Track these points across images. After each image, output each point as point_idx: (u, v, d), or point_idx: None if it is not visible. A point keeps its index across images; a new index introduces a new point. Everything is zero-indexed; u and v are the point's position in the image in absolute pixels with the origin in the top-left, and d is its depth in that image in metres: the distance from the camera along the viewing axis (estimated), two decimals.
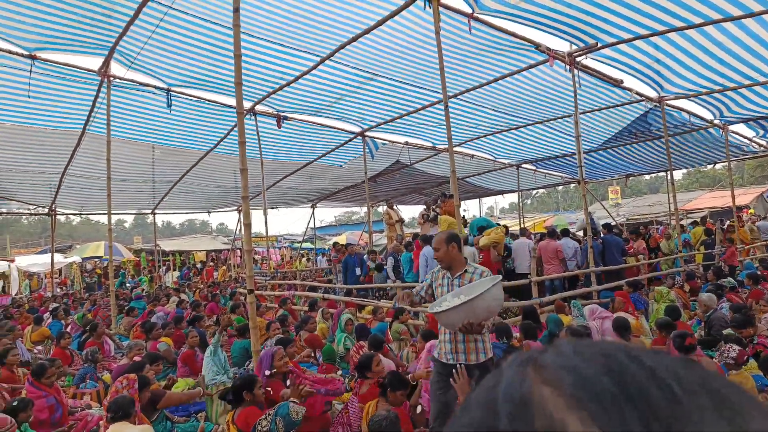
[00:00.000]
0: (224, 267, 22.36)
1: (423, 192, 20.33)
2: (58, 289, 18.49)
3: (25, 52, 8.40)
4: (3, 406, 5.08)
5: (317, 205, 21.52)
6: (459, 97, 10.67)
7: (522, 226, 15.87)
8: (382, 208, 29.13)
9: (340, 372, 5.83)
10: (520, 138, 13.98)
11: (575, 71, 8.95)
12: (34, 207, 16.16)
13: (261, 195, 18.41)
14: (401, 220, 12.16)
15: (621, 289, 7.76)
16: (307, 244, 26.87)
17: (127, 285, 17.83)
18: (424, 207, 12.26)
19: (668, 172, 17.27)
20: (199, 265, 23.98)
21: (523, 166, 17.13)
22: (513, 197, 53.17)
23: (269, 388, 4.35)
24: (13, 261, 19.84)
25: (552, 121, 12.31)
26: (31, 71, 8.56)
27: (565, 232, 9.67)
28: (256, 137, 12.07)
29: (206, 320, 8.47)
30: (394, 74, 9.81)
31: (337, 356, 6.05)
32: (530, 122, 12.50)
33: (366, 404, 3.89)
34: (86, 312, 11.15)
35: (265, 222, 12.32)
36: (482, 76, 9.81)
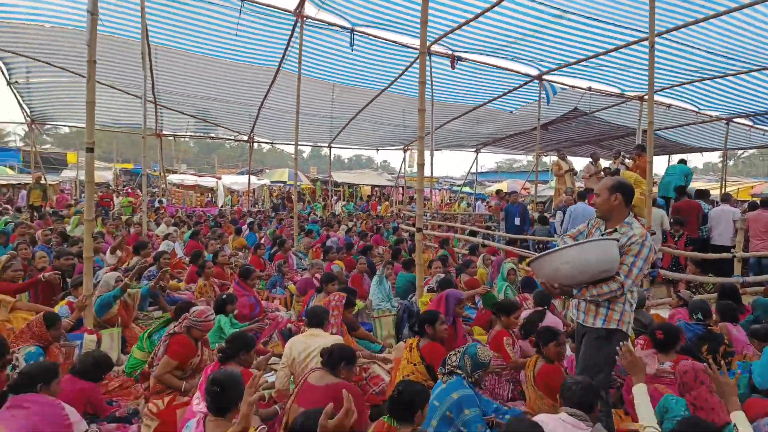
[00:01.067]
0: (387, 202, 23.63)
1: (600, 143, 18.47)
2: (252, 207, 21.62)
3: None
4: (215, 296, 6.23)
5: (481, 149, 21.11)
6: (665, 35, 9.14)
7: (723, 191, 13.53)
8: (550, 158, 27.37)
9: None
10: (737, 86, 11.60)
11: None
12: (237, 134, 18.76)
13: (427, 136, 18.74)
14: (572, 170, 11.23)
15: None
16: (466, 188, 26.81)
17: (305, 210, 19.99)
18: (590, 161, 11.12)
19: None
20: (365, 199, 25.75)
21: (735, 120, 14.32)
22: (711, 157, 45.28)
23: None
24: (220, 179, 23.70)
25: None
26: (240, 11, 9.62)
27: None
28: (429, 78, 12.08)
29: (374, 250, 9.10)
30: (588, 10, 8.76)
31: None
32: (756, 67, 10.23)
33: (532, 358, 3.86)
34: (275, 229, 12.84)
35: (431, 164, 12.47)
36: (698, 10, 8.20)
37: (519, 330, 4.58)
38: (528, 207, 11.52)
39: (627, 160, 9.73)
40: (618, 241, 2.93)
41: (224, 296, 4.80)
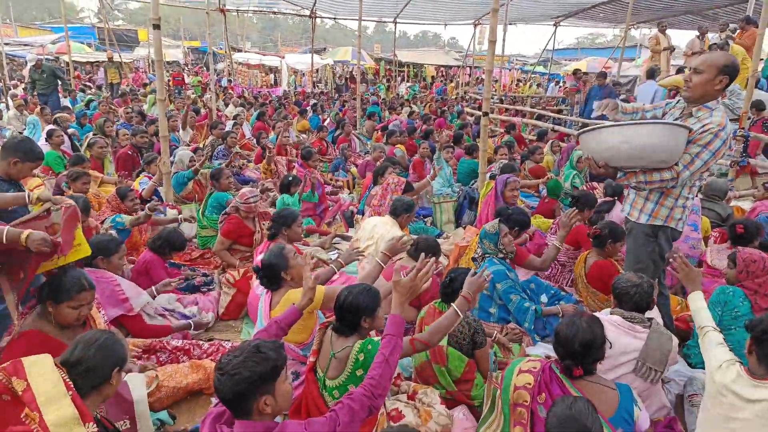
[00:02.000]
0: (452, 84, 22.51)
1: (703, 14, 15.97)
2: (315, 88, 21.43)
3: None
4: (280, 176, 6.49)
5: (561, 22, 18.99)
6: None
7: None
8: (641, 32, 24.21)
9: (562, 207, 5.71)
10: None
11: None
12: (299, 8, 17.94)
13: (502, 8, 17.01)
14: (671, 48, 9.93)
15: None
16: (540, 68, 24.78)
17: (368, 92, 19.54)
18: (697, 34, 9.71)
19: None
20: (429, 80, 24.63)
21: None
22: None
23: None
24: (283, 57, 23.33)
25: None
26: None
27: None
28: None
29: (436, 134, 8.91)
30: None
31: (562, 192, 5.88)
32: None
33: (581, 255, 3.81)
34: (338, 111, 12.79)
35: (503, 40, 11.48)
36: None
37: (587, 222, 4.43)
38: (614, 91, 10.47)
39: (731, 36, 8.44)
40: (690, 128, 2.59)
41: (290, 177, 4.98)
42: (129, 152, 6.07)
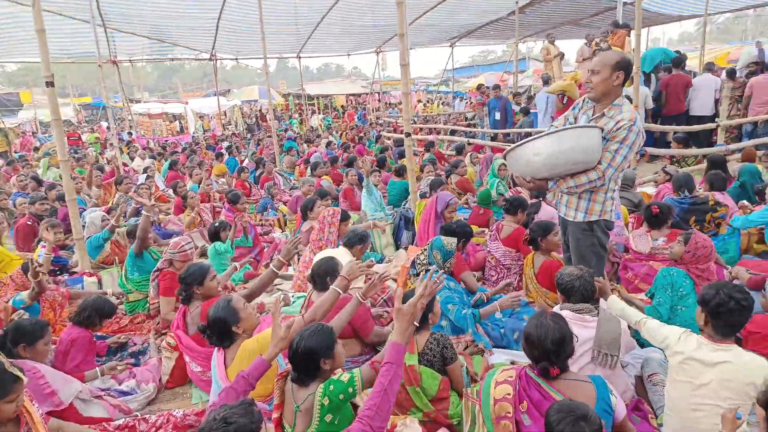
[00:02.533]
0: (364, 110, 22.95)
1: (580, 23, 17.70)
2: (225, 130, 20.86)
3: None
4: (206, 223, 6.17)
5: (456, 43, 20.14)
6: None
7: (702, 59, 13.28)
8: (527, 46, 26.28)
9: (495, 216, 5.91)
10: None
11: None
12: (198, 52, 17.53)
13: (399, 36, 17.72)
14: (560, 55, 10.81)
15: None
16: (443, 87, 26.01)
17: (281, 128, 19.34)
18: (585, 42, 10.73)
19: None
20: (340, 109, 24.92)
21: None
22: (687, 26, 44.03)
23: None
24: (186, 103, 22.57)
25: None
26: None
27: None
28: None
29: (359, 161, 8.95)
30: None
31: (491, 201, 6.09)
32: None
33: (527, 255, 3.94)
34: (254, 151, 12.50)
35: (407, 63, 11.85)
36: None
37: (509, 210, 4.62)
38: (510, 99, 11.24)
39: (602, 42, 9.36)
40: (603, 128, 2.74)
41: (216, 223, 4.73)
42: (28, 222, 5.47)
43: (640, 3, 6.14)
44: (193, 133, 20.42)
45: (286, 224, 6.74)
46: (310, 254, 4.58)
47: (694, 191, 4.59)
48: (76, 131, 17.95)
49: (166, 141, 17.67)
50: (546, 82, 9.73)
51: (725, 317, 2.10)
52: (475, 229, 5.58)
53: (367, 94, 24.94)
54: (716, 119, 7.27)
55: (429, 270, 3.44)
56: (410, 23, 12.58)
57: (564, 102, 8.52)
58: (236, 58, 19.20)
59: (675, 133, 7.15)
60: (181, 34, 16.03)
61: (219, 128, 20.91)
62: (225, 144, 14.15)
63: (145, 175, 8.49)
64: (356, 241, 4.06)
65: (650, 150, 6.83)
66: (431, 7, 14.75)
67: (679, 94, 8.08)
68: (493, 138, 9.51)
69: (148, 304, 4.10)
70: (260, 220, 6.92)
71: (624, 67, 2.73)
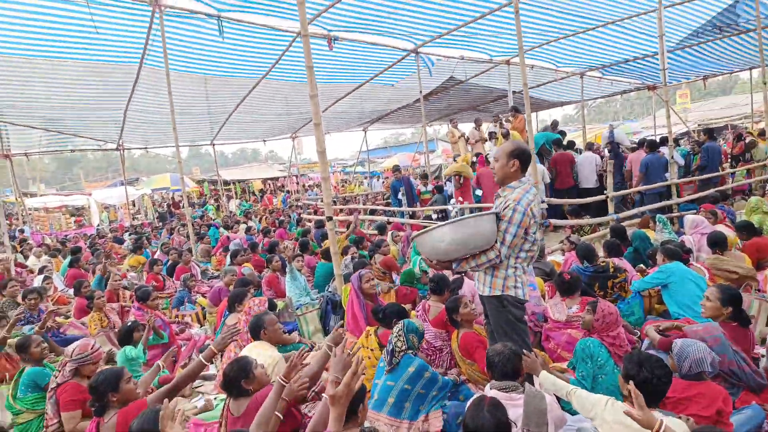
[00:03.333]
0: (282, 193, 22.98)
1: (477, 108, 19.55)
2: (134, 220, 19.77)
3: None
4: (115, 325, 5.64)
5: (369, 128, 21.26)
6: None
7: (585, 138, 15.10)
8: (434, 128, 28.40)
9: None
10: (586, 42, 12.89)
11: None
12: (103, 143, 16.87)
13: (315, 125, 18.40)
14: (463, 136, 11.80)
15: (706, 201, 7.35)
16: (359, 168, 26.99)
17: (195, 215, 18.73)
18: (474, 126, 11.88)
19: (751, 71, 15.71)
20: (258, 194, 24.78)
21: (588, 74, 15.95)
22: (568, 109, 50.27)
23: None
24: (90, 194, 21.24)
25: (625, 21, 11.17)
26: (88, 3, 8.48)
27: (662, 143, 8.99)
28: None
29: (280, 245, 8.82)
30: None
31: (415, 278, 6.19)
32: (600, 23, 11.41)
33: (454, 333, 4.02)
34: (166, 240, 11.87)
35: (324, 150, 12.21)
36: None
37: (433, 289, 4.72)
38: (412, 179, 11.92)
39: (505, 122, 10.43)
40: (487, 213, 3.01)
41: (128, 324, 4.34)
42: None
43: (527, 91, 6.92)
44: (98, 225, 19.10)
45: (205, 318, 6.32)
46: (237, 350, 4.30)
47: (596, 260, 4.99)
48: None
49: (66, 236, 16.32)
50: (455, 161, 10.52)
51: (649, 390, 2.24)
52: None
53: (284, 177, 25.15)
54: (604, 191, 8.14)
55: (408, 353, 3.35)
56: (323, 111, 13.15)
57: (461, 182, 9.23)
58: (146, 148, 18.71)
59: (569, 206, 7.92)
60: (83, 125, 15.43)
61: (127, 218, 19.78)
62: (133, 236, 13.32)
63: (42, 276, 7.69)
64: (262, 326, 3.86)
65: (553, 221, 7.43)
66: (340, 97, 15.61)
67: (567, 169, 9.05)
68: (412, 216, 9.87)
69: (42, 426, 3.55)
70: (176, 315, 6.44)
71: (518, 155, 3.04)
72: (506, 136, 9.38)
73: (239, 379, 2.81)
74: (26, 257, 10.42)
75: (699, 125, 23.32)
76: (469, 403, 2.27)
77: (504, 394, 2.57)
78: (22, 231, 15.53)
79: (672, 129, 8.71)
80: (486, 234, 2.92)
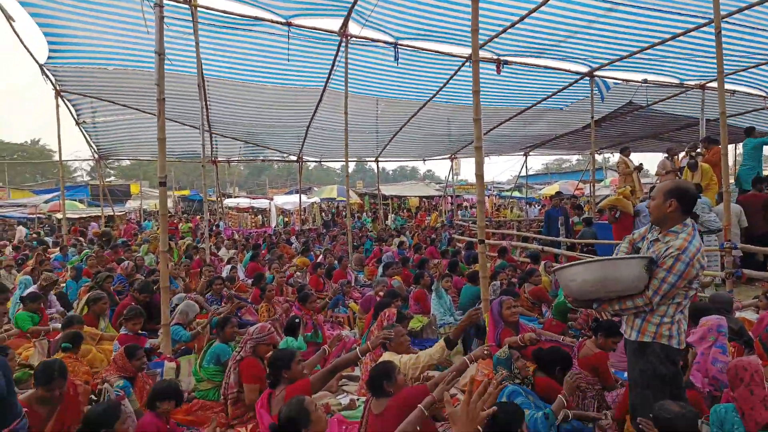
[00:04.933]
0: (436, 213, 23.48)
1: (660, 137, 17.60)
2: (304, 225, 22.07)
3: (282, 20, 9.63)
4: (283, 318, 6.33)
5: (530, 152, 20.62)
6: (727, 19, 8.61)
7: None
8: (603, 156, 26.29)
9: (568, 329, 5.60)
10: None
11: None
12: (287, 154, 19.23)
13: (473, 144, 18.49)
14: (639, 168, 10.71)
15: None
16: (516, 193, 26.23)
17: (353, 226, 20.17)
18: (666, 155, 10.62)
19: None
20: (413, 210, 25.72)
21: None
22: None
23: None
24: (272, 199, 24.37)
25: None
26: (288, 37, 9.84)
27: None
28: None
29: (430, 263, 9.01)
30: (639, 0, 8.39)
31: (569, 312, 5.80)
32: None
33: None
34: (328, 246, 12.98)
35: (482, 173, 12.16)
36: None
37: (600, 331, 4.33)
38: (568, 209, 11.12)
39: (696, 156, 9.16)
40: (655, 254, 2.73)
41: (297, 319, 4.85)
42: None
43: (725, 119, 6.06)
44: (275, 227, 21.73)
45: (355, 322, 6.76)
46: (371, 361, 4.52)
47: None
48: (174, 221, 19.75)
49: (250, 233, 18.90)
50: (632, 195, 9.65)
51: None
52: None
53: (440, 196, 25.65)
54: None
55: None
56: (485, 133, 13.15)
57: (617, 216, 8.43)
58: (320, 161, 20.79)
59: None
60: (272, 139, 17.82)
61: (298, 223, 22.15)
62: (302, 239, 14.85)
63: (230, 266, 9.04)
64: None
65: (747, 272, 6.31)
66: (503, 121, 15.43)
67: (756, 213, 7.60)
68: (569, 248, 9.26)
69: (219, 393, 4.17)
70: (330, 316, 7.01)
71: (677, 195, 2.72)
72: (693, 168, 8.27)
73: (382, 380, 2.98)
74: (218, 249, 12.32)
75: None
76: None
77: None
78: (218, 226, 18.41)
79: None
80: (626, 280, 2.69)
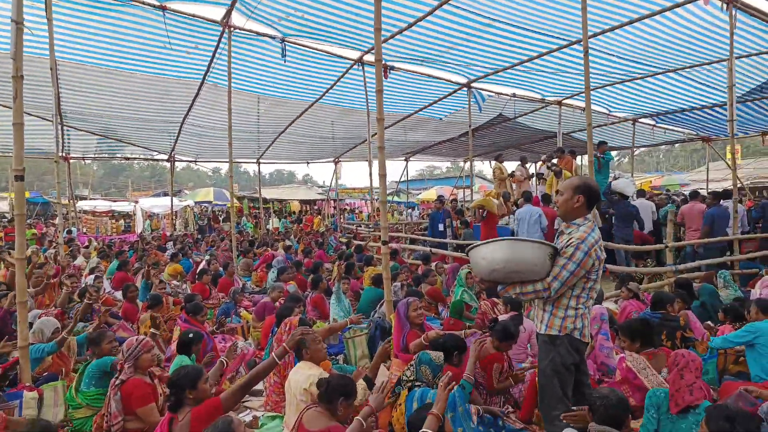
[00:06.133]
0: (319, 216, 23.20)
1: (521, 147, 19.46)
2: (176, 230, 20.26)
3: (156, 3, 8.70)
4: (167, 336, 5.64)
5: (411, 158, 21.40)
6: (580, 43, 9.76)
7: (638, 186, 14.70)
8: (478, 163, 28.31)
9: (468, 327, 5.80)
10: (644, 88, 12.71)
11: (733, 10, 7.83)
12: (156, 153, 17.49)
13: (357, 147, 18.66)
14: (512, 174, 11.70)
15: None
16: (396, 198, 27.05)
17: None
18: (519, 164, 11.79)
19: None
20: (294, 214, 25.11)
21: (640, 120, 15.70)
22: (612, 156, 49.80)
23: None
24: (137, 202, 21.95)
25: (686, 69, 11.00)
26: (165, 22, 8.91)
27: (725, 195, 8.61)
28: (363, 89, 12.05)
29: (324, 267, 8.80)
30: (515, 18, 9.13)
31: (463, 311, 6.02)
32: (661, 70, 11.26)
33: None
34: (213, 252, 12.04)
35: (370, 174, 12.32)
36: (625, 14, 8.77)
37: (495, 335, 4.50)
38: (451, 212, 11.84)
39: (552, 166, 10.25)
40: (554, 245, 2.92)
41: (191, 334, 4.31)
42: None
43: (590, 132, 6.82)
44: (141, 232, 19.63)
45: (249, 331, 6.28)
46: (275, 376, 4.21)
47: (667, 309, 4.75)
48: (14, 227, 16.76)
49: (111, 240, 16.80)
50: (507, 198, 10.48)
51: None
52: None
53: (323, 200, 25.44)
54: (663, 241, 7.85)
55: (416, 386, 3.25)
56: (372, 137, 13.32)
57: (483, 215, 9.34)
58: (196, 161, 19.31)
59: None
60: (138, 135, 16.06)
61: (169, 228, 20.26)
62: (176, 245, 13.58)
63: (94, 275, 7.86)
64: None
65: (611, 267, 7.18)
66: (388, 125, 15.79)
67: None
68: (458, 248, 9.72)
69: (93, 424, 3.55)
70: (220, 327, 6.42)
71: (584, 191, 2.93)
72: (558, 174, 9.22)
73: (340, 396, 2.77)
74: (74, 257, 10.71)
75: (751, 182, 22.51)
76: None
77: None
78: (69, 231, 16.03)
79: (720, 183, 8.36)
80: (530, 262, 2.81)
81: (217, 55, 10.68)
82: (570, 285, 2.84)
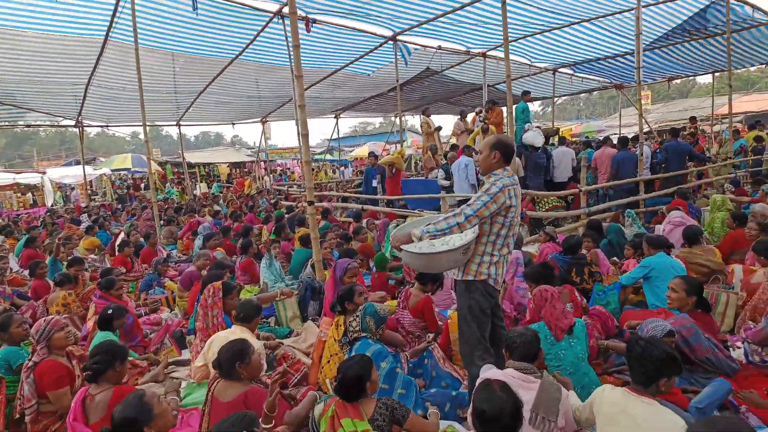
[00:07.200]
0: (250, 179, 22.46)
1: (450, 101, 19.63)
2: (92, 201, 18.91)
3: None
4: (81, 313, 5.35)
5: (341, 115, 21.02)
6: None
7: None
8: (410, 117, 28.36)
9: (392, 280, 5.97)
10: (562, 39, 13.09)
11: None
12: (61, 119, 15.99)
13: (284, 106, 18.02)
14: (439, 128, 11.82)
15: (673, 197, 7.61)
16: (328, 156, 26.69)
17: (158, 197, 18.07)
18: (459, 117, 11.92)
19: (713, 74, 16.40)
20: (224, 178, 24.13)
21: (560, 70, 16.25)
22: (535, 105, 51.53)
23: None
24: (44, 173, 20.13)
25: (600, 18, 11.40)
26: None
27: (624, 142, 9.18)
28: (286, 44, 11.49)
29: (255, 230, 8.60)
30: None
31: (388, 264, 6.15)
32: (576, 20, 11.60)
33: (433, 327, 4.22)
34: (134, 222, 11.40)
35: (298, 133, 11.92)
36: None
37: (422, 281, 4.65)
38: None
39: (483, 120, 10.45)
40: (469, 241, 3.04)
41: (110, 310, 4.09)
42: None
43: (510, 83, 6.97)
44: (51, 205, 18.15)
45: (174, 302, 6.09)
46: (200, 342, 4.13)
47: (579, 251, 5.10)
48: None
49: (18, 215, 15.44)
50: (435, 152, 10.60)
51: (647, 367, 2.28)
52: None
53: (252, 162, 24.59)
54: (578, 185, 8.34)
55: (366, 338, 3.33)
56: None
57: (393, 172, 9.95)
58: (107, 125, 17.87)
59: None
60: (39, 100, 14.57)
61: (84, 199, 18.87)
62: (92, 217, 12.71)
63: None
64: (254, 314, 3.77)
65: (529, 213, 7.55)
66: (315, 82, 15.33)
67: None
68: (389, 204, 9.81)
69: (9, 412, 3.37)
70: (144, 300, 6.18)
71: (499, 147, 3.06)
72: (485, 131, 9.43)
73: (234, 362, 2.71)
74: None
75: (659, 125, 24.24)
76: (476, 389, 2.24)
77: (521, 374, 2.58)
78: None
79: (633, 128, 8.96)
80: (444, 267, 3.25)
81: (119, 9, 9.72)
82: (482, 216, 2.90)
